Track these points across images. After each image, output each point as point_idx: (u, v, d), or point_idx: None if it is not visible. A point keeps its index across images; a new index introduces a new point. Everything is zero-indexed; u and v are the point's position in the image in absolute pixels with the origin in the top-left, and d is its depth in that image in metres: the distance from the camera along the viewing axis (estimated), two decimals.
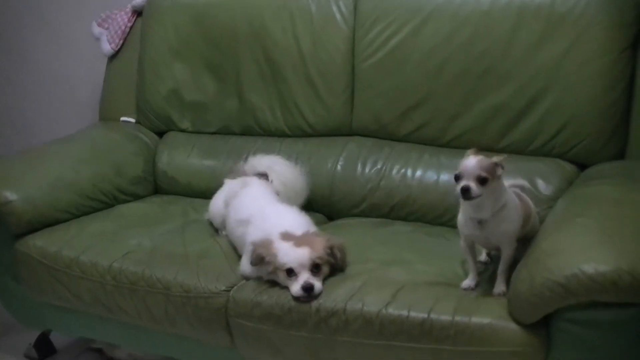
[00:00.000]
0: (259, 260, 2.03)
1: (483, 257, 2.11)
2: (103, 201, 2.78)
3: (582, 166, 2.45)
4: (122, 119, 3.21)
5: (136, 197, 2.93)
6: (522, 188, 2.10)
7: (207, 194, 2.64)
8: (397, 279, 2.00)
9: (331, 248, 2.04)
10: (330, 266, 2.04)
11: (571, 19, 2.39)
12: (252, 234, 2.14)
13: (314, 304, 1.95)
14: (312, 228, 2.20)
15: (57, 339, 2.89)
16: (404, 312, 1.86)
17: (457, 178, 1.79)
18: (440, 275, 2.04)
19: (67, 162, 2.77)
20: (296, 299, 1.97)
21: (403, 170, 2.64)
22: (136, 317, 2.28)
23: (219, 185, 2.61)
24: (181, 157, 3.04)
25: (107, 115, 3.30)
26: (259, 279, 2.09)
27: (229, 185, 2.53)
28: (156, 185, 3.07)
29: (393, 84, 2.66)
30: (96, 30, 3.30)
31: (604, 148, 2.41)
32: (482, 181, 1.76)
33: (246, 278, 2.15)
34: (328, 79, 2.77)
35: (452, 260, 2.12)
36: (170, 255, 2.31)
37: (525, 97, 2.46)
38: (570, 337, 1.70)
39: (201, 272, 2.19)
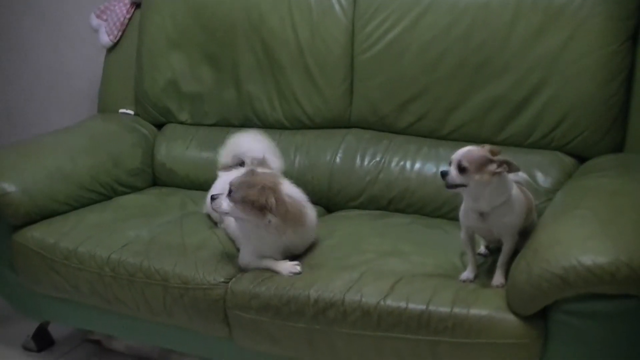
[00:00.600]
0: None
1: (482, 249, 2.11)
2: (101, 193, 2.77)
3: (580, 159, 2.45)
4: (121, 111, 3.21)
5: (134, 189, 2.93)
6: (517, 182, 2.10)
7: (205, 186, 2.64)
8: (395, 270, 2.00)
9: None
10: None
11: (570, 11, 2.39)
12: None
13: (312, 294, 1.96)
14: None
15: (55, 330, 2.89)
16: (402, 304, 1.86)
17: (449, 164, 1.84)
18: (439, 267, 2.04)
19: (66, 154, 2.76)
20: None
21: (402, 163, 2.64)
22: (134, 309, 2.28)
23: (217, 177, 2.61)
24: (180, 149, 3.03)
25: (105, 107, 3.29)
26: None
27: (223, 179, 2.52)
28: (154, 177, 3.07)
29: (392, 76, 2.65)
30: (94, 22, 3.29)
31: (602, 140, 2.41)
32: (461, 170, 1.79)
33: (244, 270, 2.15)
34: (326, 71, 2.76)
35: (451, 252, 2.12)
36: (168, 246, 2.31)
37: (524, 89, 2.46)
38: (568, 328, 1.70)
39: (199, 263, 2.19)
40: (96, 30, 3.28)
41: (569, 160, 2.44)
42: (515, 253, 1.89)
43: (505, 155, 1.85)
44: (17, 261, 2.51)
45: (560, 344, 1.73)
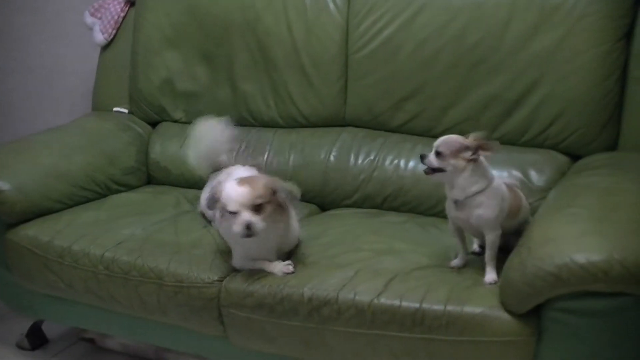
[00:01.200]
0: (212, 201, 2.03)
1: (475, 247, 2.11)
2: (96, 191, 2.77)
3: (574, 157, 2.45)
4: (115, 109, 3.20)
5: (129, 187, 2.92)
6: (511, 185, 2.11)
7: (200, 185, 2.64)
8: (389, 268, 2.01)
9: (273, 188, 2.02)
10: (277, 205, 2.03)
11: (564, 10, 2.39)
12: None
13: (306, 293, 1.96)
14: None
15: (49, 329, 2.88)
16: (396, 302, 1.86)
17: None
18: (433, 266, 2.04)
19: (60, 152, 2.75)
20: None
21: (396, 161, 2.64)
22: (128, 307, 2.28)
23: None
24: (174, 148, 3.02)
25: (100, 105, 3.29)
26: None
27: (214, 179, 2.51)
28: (149, 176, 3.06)
29: (386, 75, 2.66)
30: (89, 20, 3.29)
31: (596, 139, 2.42)
32: (438, 155, 1.89)
33: (238, 270, 2.15)
34: (321, 69, 2.76)
35: (445, 250, 2.12)
36: (162, 245, 2.30)
37: (519, 88, 2.47)
38: (561, 326, 1.71)
39: (194, 262, 2.19)
40: (90, 28, 3.27)
41: (563, 159, 2.45)
42: (507, 250, 1.89)
43: (486, 141, 1.89)
44: (11, 259, 2.50)
45: (553, 341, 1.73)
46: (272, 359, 2.14)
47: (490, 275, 1.90)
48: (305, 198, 2.71)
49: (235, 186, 1.99)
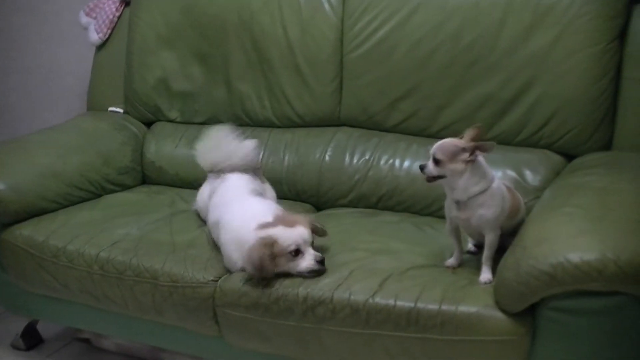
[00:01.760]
0: (265, 261, 1.99)
1: (471, 247, 2.12)
2: (91, 191, 2.77)
3: (569, 157, 2.46)
4: (110, 109, 3.20)
5: (124, 187, 2.92)
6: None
7: (195, 184, 2.64)
8: (384, 268, 2.01)
9: (312, 223, 2.10)
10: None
11: (558, 10, 2.40)
12: (225, 236, 2.16)
13: (301, 292, 1.96)
14: (276, 207, 2.24)
15: (44, 329, 2.88)
16: (391, 301, 1.87)
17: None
18: (428, 265, 2.05)
19: (55, 152, 2.75)
20: (306, 274, 2.01)
21: (391, 161, 2.64)
22: (124, 307, 2.28)
23: (206, 176, 2.60)
24: (169, 147, 3.03)
25: (94, 105, 3.28)
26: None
27: (210, 180, 2.50)
28: (144, 175, 3.06)
29: (381, 74, 2.66)
30: (84, 19, 3.28)
31: (591, 139, 2.42)
32: (436, 162, 1.87)
33: (231, 272, 2.15)
34: (316, 69, 2.76)
35: (440, 250, 2.13)
36: (158, 244, 2.31)
37: (513, 87, 2.47)
38: (556, 325, 1.71)
39: (189, 261, 2.19)
40: (85, 28, 3.27)
41: (557, 158, 2.45)
42: (502, 249, 1.90)
43: (482, 142, 1.88)
44: (5, 259, 2.50)
45: (548, 340, 1.74)
46: (268, 359, 2.14)
47: (485, 275, 1.91)
48: (301, 198, 2.72)
49: (289, 228, 2.03)
